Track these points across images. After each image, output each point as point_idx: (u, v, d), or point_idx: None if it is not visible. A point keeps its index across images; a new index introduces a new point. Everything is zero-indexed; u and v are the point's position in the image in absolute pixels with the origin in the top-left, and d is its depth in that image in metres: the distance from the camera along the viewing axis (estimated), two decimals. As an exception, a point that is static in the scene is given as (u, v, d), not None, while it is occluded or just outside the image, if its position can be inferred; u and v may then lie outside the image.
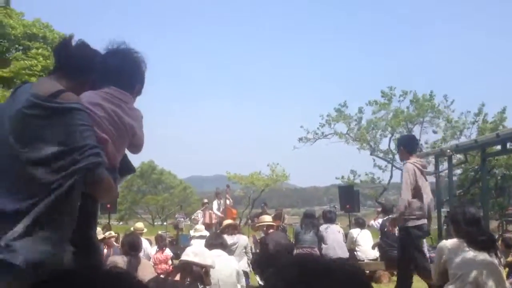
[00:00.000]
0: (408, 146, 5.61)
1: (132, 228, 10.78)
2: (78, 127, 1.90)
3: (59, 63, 2.17)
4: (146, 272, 5.30)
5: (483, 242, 3.74)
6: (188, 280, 4.21)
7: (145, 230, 10.68)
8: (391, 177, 21.86)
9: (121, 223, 33.46)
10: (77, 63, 2.14)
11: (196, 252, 4.32)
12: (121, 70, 2.27)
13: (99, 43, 2.29)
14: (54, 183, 1.84)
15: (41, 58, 19.66)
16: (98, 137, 2.03)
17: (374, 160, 21.90)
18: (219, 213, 14.61)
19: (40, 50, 19.94)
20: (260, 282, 7.74)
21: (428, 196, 5.48)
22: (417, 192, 5.38)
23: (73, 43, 2.19)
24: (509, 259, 4.45)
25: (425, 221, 5.42)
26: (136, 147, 2.37)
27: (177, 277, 4.36)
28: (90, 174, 1.91)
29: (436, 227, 14.36)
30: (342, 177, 22.08)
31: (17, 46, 20.68)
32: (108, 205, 14.57)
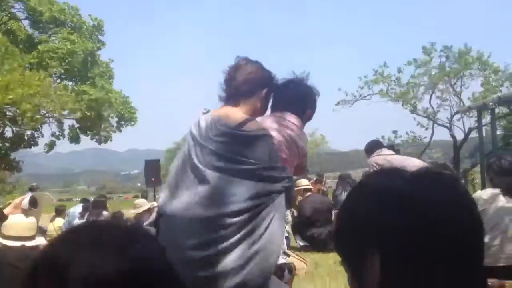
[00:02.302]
0: (369, 152, 5.91)
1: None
2: (270, 152, 2.13)
3: (233, 90, 2.29)
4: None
5: None
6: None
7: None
8: (432, 134, 21.53)
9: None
10: (248, 87, 2.27)
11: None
12: (296, 97, 2.47)
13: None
14: (263, 194, 2.08)
15: (68, 43, 20.08)
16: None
17: (415, 119, 21.57)
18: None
19: (65, 35, 20.34)
20: (300, 243, 7.92)
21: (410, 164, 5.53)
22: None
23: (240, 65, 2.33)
24: None
25: None
26: (303, 168, 2.61)
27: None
28: (288, 193, 2.18)
29: (480, 181, 14.12)
30: (383, 137, 21.85)
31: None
32: (153, 178, 14.98)
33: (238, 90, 2.26)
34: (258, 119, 2.29)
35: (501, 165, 3.87)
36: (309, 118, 2.57)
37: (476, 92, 20.58)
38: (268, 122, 2.35)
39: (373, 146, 5.96)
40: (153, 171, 14.96)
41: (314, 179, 15.75)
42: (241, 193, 2.03)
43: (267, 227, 2.05)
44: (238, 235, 2.00)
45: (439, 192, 0.77)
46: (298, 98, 2.47)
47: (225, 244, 1.99)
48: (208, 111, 2.30)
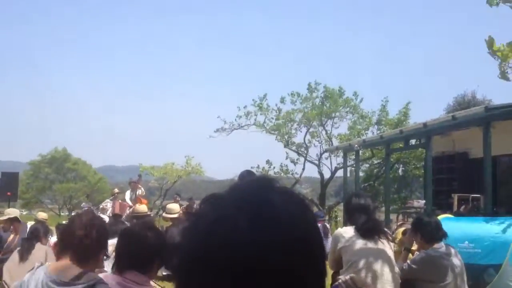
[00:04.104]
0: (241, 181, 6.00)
1: (34, 218, 10.27)
2: None
3: (67, 245, 2.27)
4: (39, 254, 5.11)
5: (369, 229, 3.87)
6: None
7: (47, 220, 10.23)
8: (303, 169, 22.46)
9: (24, 212, 31.56)
10: (100, 244, 2.32)
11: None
12: (139, 252, 2.34)
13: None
14: None
15: None
16: None
17: (287, 153, 22.38)
18: (130, 202, 14.26)
19: None
20: (164, 272, 7.64)
21: None
22: None
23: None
24: (413, 247, 4.70)
25: None
26: None
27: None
28: None
29: (342, 219, 14.93)
30: (258, 166, 22.26)
31: None
32: (9, 193, 13.82)
33: (91, 247, 2.27)
34: (101, 275, 2.31)
35: (354, 204, 4.06)
36: (159, 266, 2.46)
37: (343, 133, 21.92)
38: (109, 280, 2.30)
39: (245, 176, 6.01)
40: (10, 184, 13.83)
41: (185, 205, 15.62)
42: None
43: None
44: None
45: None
46: (142, 253, 2.35)
47: None
48: (40, 265, 2.28)
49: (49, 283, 2.08)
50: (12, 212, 7.21)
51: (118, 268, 2.36)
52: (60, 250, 2.30)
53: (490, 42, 4.69)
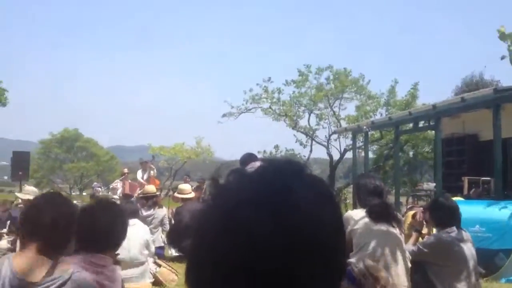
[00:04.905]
0: (242, 164, 5.76)
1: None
2: None
3: (34, 232, 2.14)
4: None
5: (381, 212, 3.85)
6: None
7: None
8: (310, 151, 22.50)
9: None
10: (53, 232, 2.13)
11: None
12: (98, 231, 2.31)
13: None
14: None
15: None
16: None
17: (295, 136, 22.41)
18: (143, 181, 14.32)
19: None
20: (174, 253, 7.72)
21: None
22: None
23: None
24: (424, 231, 4.68)
25: None
26: None
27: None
28: None
29: (351, 201, 14.94)
30: (264, 151, 22.40)
31: None
32: (20, 172, 13.93)
33: (60, 236, 2.16)
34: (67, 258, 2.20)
35: (366, 186, 4.01)
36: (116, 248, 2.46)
37: (351, 115, 21.86)
38: (77, 263, 2.21)
39: (247, 159, 5.97)
40: (21, 163, 13.93)
41: (195, 186, 15.66)
42: None
43: None
44: None
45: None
46: (103, 232, 2.34)
47: None
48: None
49: (18, 284, 1.98)
50: (31, 191, 7.19)
51: (77, 247, 2.30)
52: (25, 236, 2.15)
53: (502, 32, 4.63)
